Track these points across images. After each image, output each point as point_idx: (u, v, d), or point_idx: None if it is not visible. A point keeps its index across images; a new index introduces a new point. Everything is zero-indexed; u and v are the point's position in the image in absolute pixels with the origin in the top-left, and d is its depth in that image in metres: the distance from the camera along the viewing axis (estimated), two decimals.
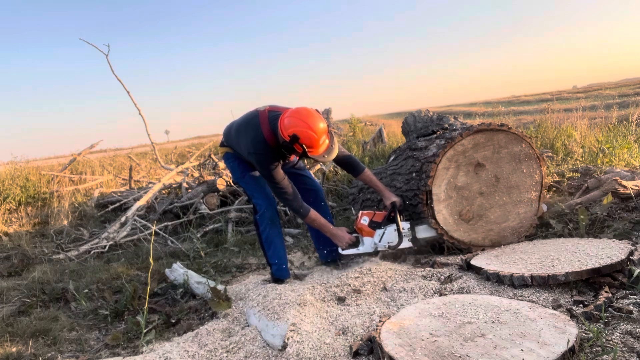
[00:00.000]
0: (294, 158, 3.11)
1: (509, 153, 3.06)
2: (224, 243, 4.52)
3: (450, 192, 3.00)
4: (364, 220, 2.98)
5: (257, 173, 3.07)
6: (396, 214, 2.93)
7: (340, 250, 3.04)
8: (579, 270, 2.20)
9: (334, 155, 2.78)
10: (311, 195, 3.26)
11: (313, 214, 2.94)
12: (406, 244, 2.96)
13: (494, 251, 2.93)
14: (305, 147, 2.63)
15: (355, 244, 3.02)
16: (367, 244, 3.00)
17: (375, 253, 3.09)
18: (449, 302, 2.13)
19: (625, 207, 3.28)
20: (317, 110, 2.75)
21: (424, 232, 3.01)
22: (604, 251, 2.42)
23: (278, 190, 2.88)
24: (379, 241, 2.96)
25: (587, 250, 2.49)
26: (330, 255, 3.26)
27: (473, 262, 2.71)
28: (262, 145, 2.82)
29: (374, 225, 2.96)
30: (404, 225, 2.96)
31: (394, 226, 2.95)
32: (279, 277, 3.08)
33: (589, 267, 2.21)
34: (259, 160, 2.85)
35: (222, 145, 3.23)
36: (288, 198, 2.89)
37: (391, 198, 3.01)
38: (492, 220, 3.07)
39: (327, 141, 2.76)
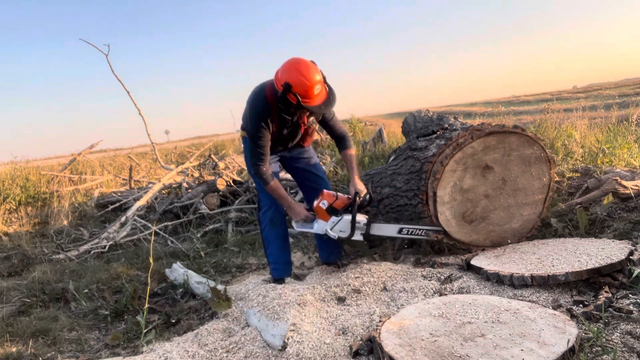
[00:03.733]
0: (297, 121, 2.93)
1: (519, 156, 2.99)
2: (224, 243, 4.52)
3: (456, 194, 2.97)
4: (323, 204, 2.87)
5: (272, 169, 3.02)
6: (355, 205, 2.82)
7: (293, 224, 3.02)
8: (579, 270, 2.20)
9: (331, 107, 2.70)
10: (317, 193, 3.17)
11: (275, 184, 2.87)
12: (357, 236, 2.89)
13: (494, 251, 2.93)
14: (299, 97, 2.54)
15: (311, 222, 2.96)
16: (319, 226, 2.92)
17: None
18: (449, 302, 2.13)
19: (625, 207, 3.28)
20: (313, 62, 2.66)
21: (378, 230, 2.94)
22: (603, 251, 2.42)
23: (254, 150, 2.81)
24: (331, 229, 2.87)
25: (587, 250, 2.49)
26: (331, 257, 3.26)
27: (473, 262, 2.71)
28: (259, 99, 2.76)
29: (331, 211, 2.86)
30: (360, 220, 2.87)
31: (349, 217, 2.85)
32: (273, 275, 3.10)
33: (588, 267, 2.21)
34: (252, 112, 2.78)
35: (242, 127, 3.14)
36: (257, 163, 2.82)
37: (356, 187, 2.87)
38: (495, 222, 3.05)
39: (323, 92, 2.66)
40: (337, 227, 2.87)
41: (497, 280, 2.40)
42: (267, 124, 2.75)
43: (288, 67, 2.60)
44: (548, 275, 2.22)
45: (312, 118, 2.96)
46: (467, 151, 2.91)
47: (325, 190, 2.92)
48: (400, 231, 2.94)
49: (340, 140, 3.07)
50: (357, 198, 2.82)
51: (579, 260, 2.35)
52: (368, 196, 2.89)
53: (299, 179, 3.30)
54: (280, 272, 3.08)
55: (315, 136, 3.15)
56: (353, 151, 3.06)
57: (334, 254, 3.24)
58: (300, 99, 2.55)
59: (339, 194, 2.89)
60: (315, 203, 2.91)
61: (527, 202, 3.08)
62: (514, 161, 3.00)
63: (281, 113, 2.77)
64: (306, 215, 2.94)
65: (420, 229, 2.95)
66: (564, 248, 2.63)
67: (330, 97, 2.70)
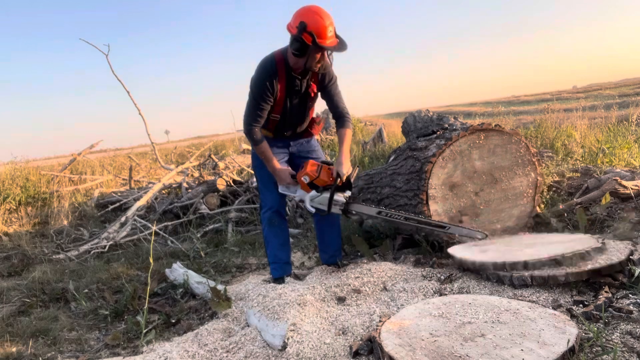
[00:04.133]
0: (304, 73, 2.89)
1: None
2: (224, 243, 4.52)
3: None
4: (305, 178, 2.89)
5: None
6: (334, 187, 2.84)
7: (279, 186, 3.03)
8: (578, 271, 2.20)
9: (345, 49, 2.72)
10: None
11: (264, 145, 2.89)
12: (336, 211, 2.92)
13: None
14: (314, 35, 2.57)
15: (294, 188, 2.99)
16: (299, 195, 2.96)
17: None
18: (449, 302, 2.13)
19: (625, 207, 3.28)
20: None
21: (357, 208, 2.96)
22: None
23: (252, 110, 2.83)
24: (311, 201, 2.89)
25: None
26: (332, 260, 3.25)
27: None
28: (268, 59, 2.79)
29: (313, 187, 2.89)
30: (339, 199, 2.89)
31: (328, 195, 2.86)
32: (273, 275, 3.11)
33: (588, 268, 2.21)
34: (258, 70, 2.79)
35: None
36: (253, 123, 2.84)
37: (339, 168, 2.86)
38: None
39: (335, 38, 2.70)
40: (316, 201, 2.89)
41: (497, 280, 2.41)
42: (272, 84, 2.77)
43: (302, 11, 2.65)
44: (548, 276, 2.22)
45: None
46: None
47: (310, 161, 2.92)
48: (379, 213, 2.95)
49: (340, 118, 3.07)
50: (339, 180, 2.83)
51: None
52: (350, 179, 2.90)
53: None
54: (280, 271, 3.08)
55: (322, 125, 3.14)
56: (350, 132, 3.06)
57: (335, 257, 3.24)
58: (315, 38, 2.58)
59: (323, 167, 2.90)
60: (299, 173, 2.92)
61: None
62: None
63: (290, 73, 2.80)
64: (290, 182, 2.95)
65: (400, 215, 2.93)
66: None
67: (342, 43, 2.72)
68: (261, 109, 2.82)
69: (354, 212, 2.97)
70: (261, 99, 2.80)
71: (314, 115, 3.16)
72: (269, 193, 3.09)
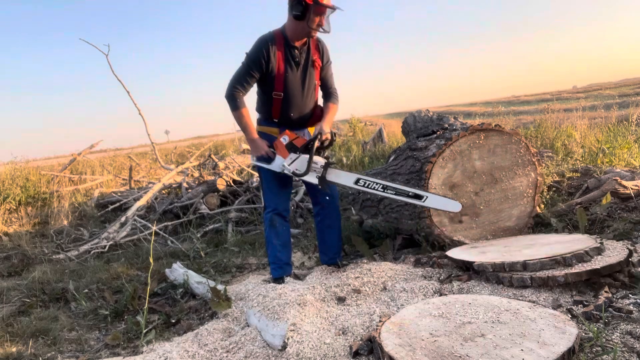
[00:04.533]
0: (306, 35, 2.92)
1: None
2: (224, 243, 4.52)
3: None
4: (284, 139, 2.88)
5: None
6: (313, 145, 2.81)
7: (251, 159, 3.01)
8: (578, 271, 2.20)
9: (342, 9, 2.81)
10: (326, 199, 3.16)
11: (244, 112, 2.89)
12: (312, 179, 2.88)
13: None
14: None
15: (269, 159, 2.94)
16: (277, 163, 2.91)
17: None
18: (449, 302, 2.13)
19: (625, 207, 3.28)
20: None
21: (335, 177, 2.91)
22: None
23: (241, 74, 2.84)
24: (289, 164, 2.87)
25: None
26: (332, 261, 3.25)
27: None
28: (265, 34, 2.85)
29: (290, 148, 2.87)
30: (317, 161, 2.86)
31: (307, 156, 2.84)
32: (273, 275, 3.10)
33: (587, 268, 2.21)
34: (256, 41, 2.83)
35: (258, 122, 3.15)
36: (237, 87, 2.84)
37: (321, 127, 2.90)
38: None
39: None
40: (293, 165, 2.86)
41: (497, 281, 2.41)
42: (267, 50, 2.80)
43: None
44: (548, 277, 2.22)
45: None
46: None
47: (287, 130, 2.92)
48: (357, 182, 2.89)
49: (329, 95, 3.12)
50: (319, 138, 2.82)
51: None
52: (330, 139, 2.90)
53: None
54: (280, 272, 3.08)
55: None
56: (336, 107, 3.09)
57: (335, 258, 3.23)
58: None
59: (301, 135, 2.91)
60: (277, 139, 2.91)
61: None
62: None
63: (288, 44, 2.85)
64: (266, 151, 2.92)
65: (377, 183, 2.86)
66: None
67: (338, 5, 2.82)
68: (250, 75, 2.83)
69: (329, 181, 2.90)
70: (253, 64, 2.81)
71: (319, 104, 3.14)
72: (272, 194, 3.07)
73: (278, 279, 3.05)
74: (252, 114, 3.06)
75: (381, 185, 2.85)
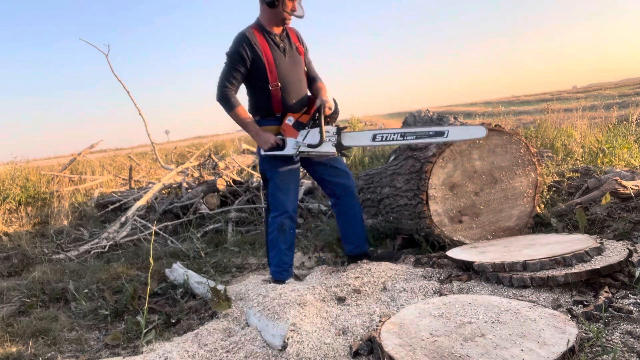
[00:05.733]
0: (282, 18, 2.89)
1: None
2: (224, 243, 4.52)
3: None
4: (289, 120, 2.87)
5: (291, 167, 2.97)
6: (321, 115, 2.80)
7: (261, 152, 2.95)
8: (578, 271, 2.20)
9: None
10: (341, 189, 3.10)
11: (241, 109, 2.86)
12: (329, 147, 2.85)
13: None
14: None
15: (280, 147, 2.91)
16: (289, 145, 2.88)
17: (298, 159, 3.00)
18: (449, 302, 2.13)
19: (625, 207, 3.28)
20: None
21: (351, 140, 2.89)
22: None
23: (227, 72, 2.82)
24: (302, 141, 2.84)
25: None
26: (357, 249, 3.17)
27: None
28: (242, 31, 2.84)
29: (298, 126, 2.86)
30: (329, 129, 2.84)
31: (318, 128, 2.82)
32: (275, 279, 3.04)
33: (587, 268, 2.21)
34: (235, 38, 2.82)
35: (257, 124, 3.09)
36: (227, 85, 2.81)
37: (321, 98, 2.89)
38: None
39: None
40: (307, 139, 2.84)
41: (497, 281, 2.40)
42: (249, 44, 2.78)
43: None
44: (547, 277, 2.22)
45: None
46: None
47: (289, 112, 2.91)
48: (374, 138, 2.86)
49: (314, 78, 3.10)
50: (323, 108, 2.81)
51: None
52: (334, 107, 2.88)
53: (317, 174, 3.14)
54: (283, 275, 3.03)
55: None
56: (324, 84, 3.09)
57: (361, 247, 3.15)
58: None
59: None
60: (281, 124, 2.91)
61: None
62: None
63: (267, 34, 2.85)
64: (275, 140, 2.87)
65: (395, 133, 2.82)
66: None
67: None
68: (235, 69, 2.80)
69: (346, 145, 2.88)
70: (235, 59, 2.79)
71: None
72: (283, 195, 2.95)
73: (279, 281, 3.03)
74: None
75: (399, 134, 2.82)
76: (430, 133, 2.77)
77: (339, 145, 2.86)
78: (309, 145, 2.83)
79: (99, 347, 2.59)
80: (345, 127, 2.92)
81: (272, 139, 2.86)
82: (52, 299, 3.37)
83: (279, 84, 2.84)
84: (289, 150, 2.87)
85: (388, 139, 2.84)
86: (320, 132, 2.78)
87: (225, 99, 2.84)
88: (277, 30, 2.90)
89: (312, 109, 2.90)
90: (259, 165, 3.10)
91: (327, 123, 2.84)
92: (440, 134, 2.76)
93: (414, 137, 2.80)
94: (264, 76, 2.82)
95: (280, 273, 3.04)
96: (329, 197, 3.19)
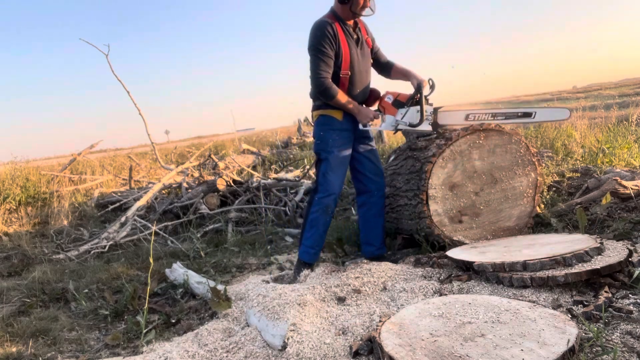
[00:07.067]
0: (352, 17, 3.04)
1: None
2: (224, 243, 4.52)
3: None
4: (388, 98, 2.99)
5: (345, 153, 3.05)
6: (421, 95, 2.90)
7: (360, 126, 3.04)
8: (578, 271, 2.20)
9: None
10: (376, 187, 3.19)
11: (341, 95, 2.94)
12: (426, 126, 2.97)
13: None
14: None
15: (377, 120, 3.06)
16: (388, 122, 3.02)
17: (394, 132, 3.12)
18: (449, 302, 2.13)
19: (625, 207, 3.28)
20: None
21: (445, 118, 3.00)
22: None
23: (318, 63, 2.89)
24: (401, 119, 2.94)
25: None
26: (378, 251, 3.22)
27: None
28: (319, 20, 2.93)
29: (397, 104, 2.96)
30: (427, 109, 2.95)
31: (417, 107, 2.92)
32: (303, 259, 3.10)
33: (587, 268, 2.21)
34: (314, 30, 2.91)
35: (313, 108, 3.17)
36: (324, 75, 2.89)
37: (417, 78, 3.00)
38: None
39: None
40: (406, 118, 2.94)
41: (497, 281, 2.40)
42: (331, 29, 2.88)
43: None
44: (547, 277, 2.22)
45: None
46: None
47: (387, 90, 3.05)
48: (467, 117, 2.98)
49: (387, 64, 3.25)
50: (421, 88, 2.91)
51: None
52: (431, 83, 2.97)
53: (359, 165, 3.21)
54: (312, 257, 3.10)
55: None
56: (396, 64, 3.23)
57: (382, 249, 3.23)
58: None
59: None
60: (379, 101, 3.03)
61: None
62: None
63: (343, 23, 2.96)
64: (374, 114, 3.01)
65: (486, 113, 2.94)
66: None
67: None
68: (327, 56, 2.89)
69: (441, 124, 2.99)
70: (324, 47, 2.87)
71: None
72: (335, 178, 3.04)
73: (307, 264, 3.06)
74: (308, 101, 3.18)
75: (490, 114, 2.94)
76: (519, 114, 2.91)
77: (435, 124, 2.99)
78: (410, 125, 2.94)
79: (99, 347, 2.59)
80: (441, 107, 3.03)
81: (371, 114, 3.01)
82: (52, 299, 3.37)
83: (349, 73, 2.98)
84: (388, 126, 3.02)
85: (479, 118, 2.99)
86: (421, 111, 2.90)
87: (326, 91, 2.93)
88: (349, 22, 3.04)
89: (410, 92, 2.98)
90: (314, 146, 3.16)
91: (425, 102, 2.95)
92: (528, 114, 2.89)
93: (504, 117, 2.93)
94: (338, 64, 2.95)
95: (314, 255, 3.09)
96: (358, 193, 3.26)
